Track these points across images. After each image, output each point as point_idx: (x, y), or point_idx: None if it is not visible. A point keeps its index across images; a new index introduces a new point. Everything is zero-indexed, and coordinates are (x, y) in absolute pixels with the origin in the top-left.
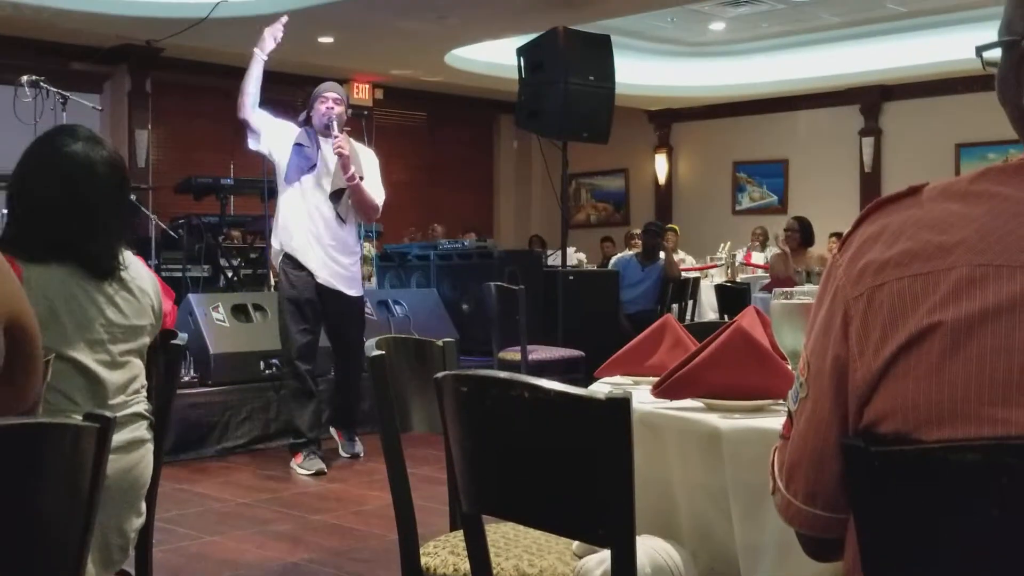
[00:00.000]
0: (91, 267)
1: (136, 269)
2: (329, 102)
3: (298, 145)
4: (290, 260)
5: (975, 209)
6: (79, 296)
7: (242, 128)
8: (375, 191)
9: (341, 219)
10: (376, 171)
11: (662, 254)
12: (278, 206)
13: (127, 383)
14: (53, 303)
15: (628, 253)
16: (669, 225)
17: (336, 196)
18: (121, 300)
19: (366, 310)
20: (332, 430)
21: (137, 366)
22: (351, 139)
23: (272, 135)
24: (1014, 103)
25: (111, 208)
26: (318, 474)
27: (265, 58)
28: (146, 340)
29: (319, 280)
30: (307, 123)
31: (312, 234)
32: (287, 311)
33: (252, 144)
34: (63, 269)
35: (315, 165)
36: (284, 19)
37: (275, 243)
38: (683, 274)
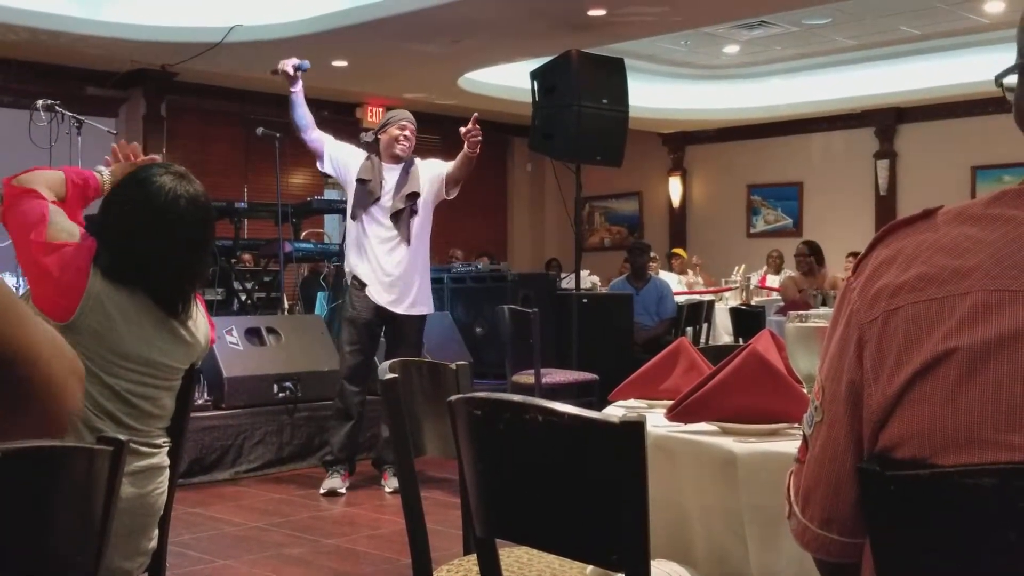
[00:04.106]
0: (158, 300)
1: (198, 316)
2: (407, 131)
3: (360, 181)
4: (357, 280)
5: (991, 233)
6: (136, 326)
7: (255, 153)
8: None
9: (407, 241)
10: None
11: (661, 273)
12: (346, 230)
13: (156, 415)
14: (111, 322)
15: (620, 277)
16: (675, 249)
17: (395, 217)
18: (175, 342)
19: None
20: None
21: (168, 400)
22: (418, 160)
23: (336, 159)
24: None
25: (189, 244)
26: (330, 493)
27: (294, 90)
28: (180, 380)
29: (380, 304)
30: (374, 145)
31: (376, 263)
32: (344, 331)
33: (319, 166)
34: (132, 294)
35: (378, 199)
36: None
37: (346, 266)
38: (697, 297)
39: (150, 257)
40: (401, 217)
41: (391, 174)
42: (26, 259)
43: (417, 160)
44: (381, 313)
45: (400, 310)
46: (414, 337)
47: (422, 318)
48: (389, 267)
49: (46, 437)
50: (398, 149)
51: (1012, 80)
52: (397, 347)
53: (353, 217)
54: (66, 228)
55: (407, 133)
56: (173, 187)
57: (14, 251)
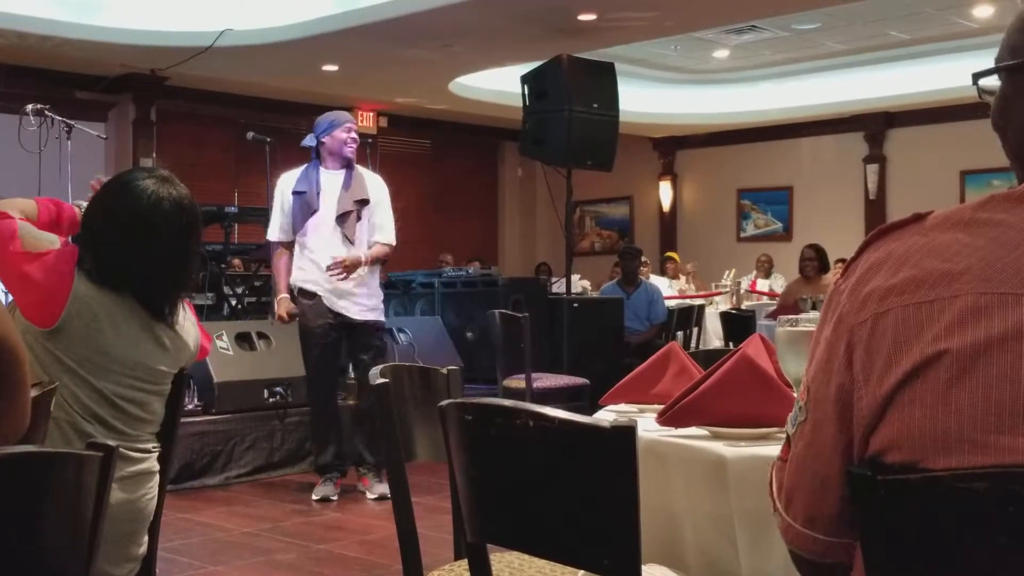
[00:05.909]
0: (144, 303)
1: (186, 321)
2: (354, 132)
3: (296, 193)
4: (305, 292)
5: (979, 237)
6: (123, 329)
7: (246, 157)
8: (385, 229)
9: (350, 242)
10: (387, 206)
11: (652, 277)
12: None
13: (145, 419)
14: (97, 324)
15: (610, 282)
16: (668, 253)
17: (342, 219)
18: (162, 346)
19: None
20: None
21: (157, 405)
22: (358, 167)
23: (286, 218)
24: None
25: (172, 248)
26: (323, 500)
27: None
28: (169, 385)
29: (335, 310)
30: (316, 146)
31: (321, 271)
32: (304, 344)
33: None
34: (119, 297)
35: (316, 210)
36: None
37: (292, 281)
38: (687, 302)
39: (133, 260)
40: (348, 220)
41: (333, 178)
42: (8, 271)
43: (358, 167)
44: (337, 320)
45: (356, 315)
46: (375, 342)
47: (380, 327)
48: (337, 279)
49: (9, 442)
50: (348, 151)
51: (990, 82)
52: (358, 355)
53: (296, 231)
54: (43, 237)
55: (354, 135)
56: (156, 190)
57: None
